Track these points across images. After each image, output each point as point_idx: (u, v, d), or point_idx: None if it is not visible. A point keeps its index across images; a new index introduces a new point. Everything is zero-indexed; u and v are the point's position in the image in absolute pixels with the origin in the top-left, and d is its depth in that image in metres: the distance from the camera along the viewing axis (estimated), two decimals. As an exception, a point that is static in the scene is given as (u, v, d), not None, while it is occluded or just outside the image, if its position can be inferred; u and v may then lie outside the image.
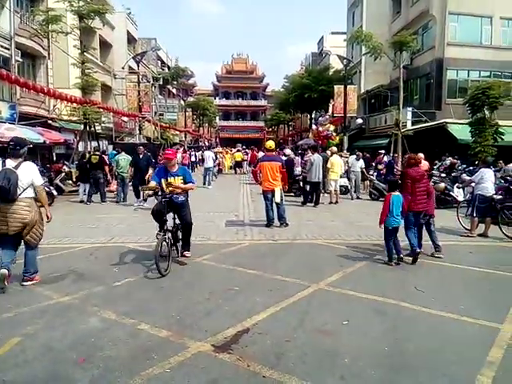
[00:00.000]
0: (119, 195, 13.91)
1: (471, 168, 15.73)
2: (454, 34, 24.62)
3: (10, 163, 5.43)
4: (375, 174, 18.59)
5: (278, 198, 9.51)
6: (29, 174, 5.51)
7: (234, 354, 3.68)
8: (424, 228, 7.42)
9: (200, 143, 49.22)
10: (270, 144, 10.33)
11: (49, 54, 22.97)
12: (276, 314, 4.63)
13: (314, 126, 26.85)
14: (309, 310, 4.73)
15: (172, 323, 4.34)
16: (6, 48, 19.27)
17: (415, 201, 6.89)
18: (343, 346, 3.90)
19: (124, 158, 14.08)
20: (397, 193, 6.81)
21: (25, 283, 5.58)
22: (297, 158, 21.28)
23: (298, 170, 19.06)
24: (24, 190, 5.43)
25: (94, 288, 5.41)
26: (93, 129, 19.23)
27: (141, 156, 13.29)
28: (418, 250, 6.78)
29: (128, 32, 37.43)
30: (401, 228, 6.89)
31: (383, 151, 20.96)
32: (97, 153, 14.84)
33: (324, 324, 4.37)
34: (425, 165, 14.39)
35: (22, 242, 5.63)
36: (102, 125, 23.73)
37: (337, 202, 13.86)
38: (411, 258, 6.77)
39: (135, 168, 13.23)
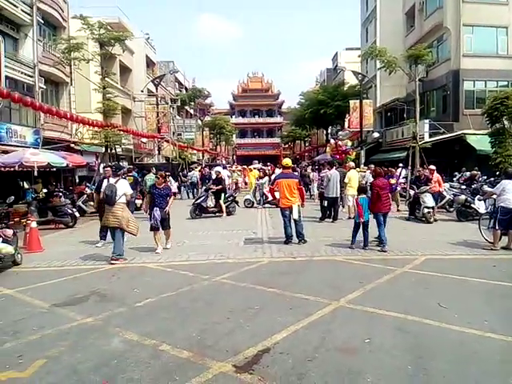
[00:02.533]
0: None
1: (492, 179, 15.45)
2: (469, 46, 24.52)
3: (112, 180, 8.70)
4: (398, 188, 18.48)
5: (295, 215, 9.52)
6: (123, 187, 8.54)
7: (255, 375, 3.68)
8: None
9: (217, 161, 49.68)
10: (287, 162, 10.42)
11: (71, 80, 23.73)
12: (297, 332, 4.61)
13: (332, 141, 26.80)
14: (330, 329, 4.69)
15: (193, 344, 4.36)
16: (29, 76, 19.99)
17: (382, 204, 8.96)
18: (365, 364, 3.86)
19: (151, 178, 14.81)
20: (364, 196, 9.13)
21: (113, 262, 8.10)
22: (314, 173, 21.34)
23: (315, 186, 19.09)
24: (120, 197, 8.33)
25: (116, 309, 5.50)
26: (113, 151, 19.71)
27: (109, 180, 9.59)
28: (387, 247, 8.76)
29: (147, 56, 38.44)
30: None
31: (401, 165, 20.83)
32: (130, 174, 14.63)
33: (345, 342, 4.33)
34: (437, 177, 14.24)
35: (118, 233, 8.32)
36: (123, 146, 24.26)
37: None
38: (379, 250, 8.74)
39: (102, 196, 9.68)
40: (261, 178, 21.49)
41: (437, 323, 4.76)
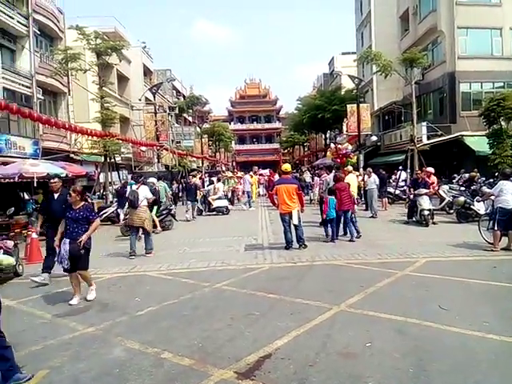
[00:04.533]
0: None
1: (491, 180, 15.49)
2: (464, 48, 24.65)
3: (134, 187, 10.51)
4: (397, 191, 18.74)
5: (295, 220, 9.55)
6: (143, 192, 10.03)
7: (257, 381, 3.69)
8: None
9: (217, 168, 49.72)
10: (286, 167, 10.44)
11: (69, 90, 23.87)
12: (298, 337, 4.62)
13: (332, 145, 26.97)
14: (331, 333, 4.70)
15: (194, 351, 4.37)
16: (27, 86, 20.12)
17: (342, 204, 10.51)
18: (367, 368, 3.87)
19: (161, 186, 15.57)
20: (332, 197, 10.56)
21: (148, 255, 9.63)
22: (316, 178, 21.44)
23: (316, 191, 19.21)
24: (141, 201, 9.76)
25: (118, 318, 5.51)
26: (113, 160, 19.76)
27: (56, 196, 7.95)
28: (356, 237, 10.61)
29: (144, 65, 38.63)
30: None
31: (401, 167, 20.94)
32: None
33: (346, 346, 4.34)
34: (433, 180, 14.29)
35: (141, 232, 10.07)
36: (122, 155, 24.31)
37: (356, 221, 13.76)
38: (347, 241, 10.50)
39: (47, 216, 8.08)
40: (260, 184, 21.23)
41: (437, 325, 4.77)
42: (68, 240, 6.18)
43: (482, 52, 24.63)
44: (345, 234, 10.97)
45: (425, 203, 12.67)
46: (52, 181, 8.33)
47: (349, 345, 4.38)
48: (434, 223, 12.90)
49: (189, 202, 17.29)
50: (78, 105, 24.35)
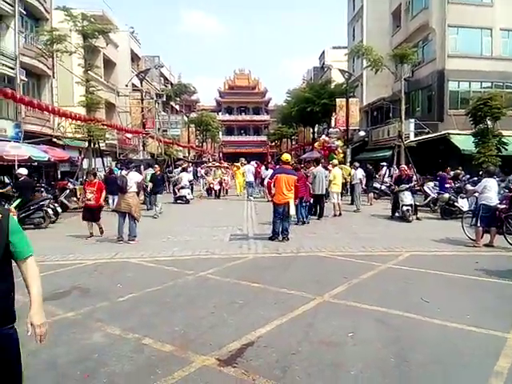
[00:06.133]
0: (147, 204, 15.85)
1: (475, 178, 15.69)
2: (454, 46, 24.79)
3: (124, 172, 10.93)
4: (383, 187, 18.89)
5: (292, 211, 9.59)
6: (133, 178, 10.03)
7: (239, 368, 3.65)
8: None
9: (203, 158, 49.41)
10: (287, 157, 10.30)
11: (53, 72, 23.33)
12: (281, 326, 4.60)
13: (323, 136, 27.11)
14: (314, 323, 4.69)
15: (176, 338, 4.31)
16: (11, 68, 19.59)
17: (298, 191, 10.61)
18: (349, 357, 3.87)
19: (149, 173, 16.48)
20: None
21: (131, 242, 9.53)
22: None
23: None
24: (130, 187, 9.75)
25: (99, 303, 5.41)
26: (97, 146, 19.40)
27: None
28: (305, 221, 12.05)
29: (131, 50, 37.98)
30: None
31: (385, 163, 21.10)
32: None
33: (329, 336, 4.33)
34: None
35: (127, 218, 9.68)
36: (106, 142, 23.92)
37: (340, 214, 13.83)
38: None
39: None
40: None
41: (419, 317, 4.80)
42: None
43: (471, 51, 24.77)
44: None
45: (406, 199, 12.74)
46: None
47: (332, 334, 4.37)
48: (418, 219, 13.01)
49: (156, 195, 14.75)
50: (62, 88, 23.84)
